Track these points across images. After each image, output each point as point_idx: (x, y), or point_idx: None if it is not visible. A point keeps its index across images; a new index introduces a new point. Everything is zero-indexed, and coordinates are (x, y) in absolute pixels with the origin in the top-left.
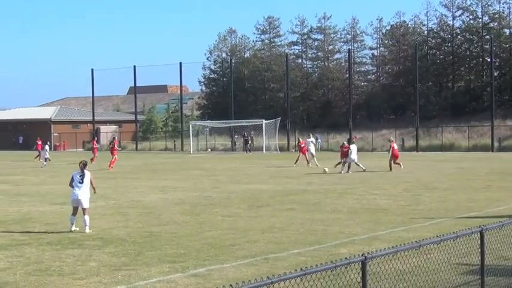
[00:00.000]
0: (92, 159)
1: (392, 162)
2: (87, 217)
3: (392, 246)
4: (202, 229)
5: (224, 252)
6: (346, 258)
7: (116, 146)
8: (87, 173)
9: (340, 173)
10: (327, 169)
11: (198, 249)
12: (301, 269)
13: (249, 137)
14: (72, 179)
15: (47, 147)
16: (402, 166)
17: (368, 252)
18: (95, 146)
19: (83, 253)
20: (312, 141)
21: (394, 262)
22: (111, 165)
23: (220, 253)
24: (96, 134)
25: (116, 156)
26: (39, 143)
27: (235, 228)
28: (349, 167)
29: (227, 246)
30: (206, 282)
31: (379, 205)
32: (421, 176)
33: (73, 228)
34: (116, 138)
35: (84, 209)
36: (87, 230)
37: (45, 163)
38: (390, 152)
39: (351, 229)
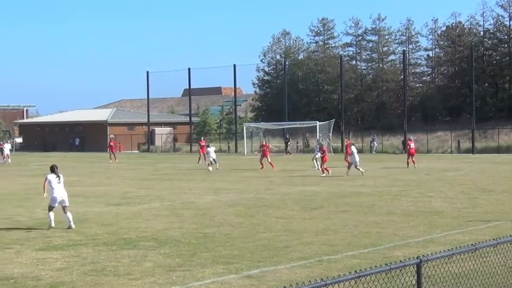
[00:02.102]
0: (200, 159)
1: (408, 159)
2: (69, 214)
3: (448, 249)
4: (256, 231)
5: (278, 253)
6: (400, 261)
7: (267, 150)
8: (61, 175)
9: (344, 176)
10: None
11: (251, 251)
12: (355, 271)
13: (290, 140)
14: (48, 181)
15: (209, 149)
16: (409, 166)
17: (423, 255)
18: (202, 145)
19: (138, 254)
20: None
21: (449, 265)
22: (273, 166)
23: (274, 255)
24: (151, 135)
25: (267, 157)
26: (112, 144)
27: (289, 230)
28: (349, 168)
29: (281, 248)
30: (260, 283)
31: (435, 208)
32: (478, 179)
33: (53, 223)
34: (265, 142)
35: (65, 207)
36: (73, 226)
37: (211, 167)
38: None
39: (405, 232)
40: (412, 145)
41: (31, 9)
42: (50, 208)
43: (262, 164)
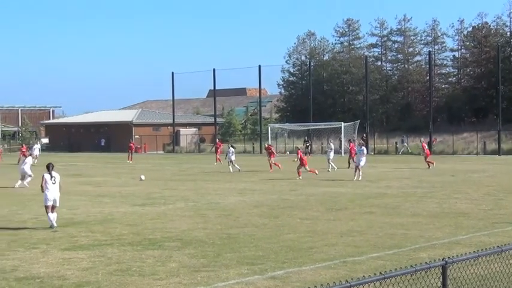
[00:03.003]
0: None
1: (428, 160)
2: (55, 214)
3: (474, 251)
4: (281, 232)
5: (302, 255)
6: (426, 262)
7: (272, 150)
8: (57, 175)
9: (353, 180)
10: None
11: (276, 252)
12: (380, 272)
13: (310, 141)
14: (45, 181)
15: (229, 149)
16: (434, 164)
17: (449, 257)
18: (217, 146)
19: (163, 254)
20: (331, 147)
21: (475, 267)
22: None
23: (299, 256)
24: (176, 136)
25: (272, 159)
26: (131, 145)
27: (313, 231)
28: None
29: (305, 249)
30: (284, 284)
31: (460, 209)
32: (503, 180)
33: (55, 224)
34: (267, 144)
35: (54, 207)
36: (55, 225)
37: (231, 167)
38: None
39: (431, 233)
40: (426, 147)
41: (56, 11)
42: (46, 209)
43: (271, 165)
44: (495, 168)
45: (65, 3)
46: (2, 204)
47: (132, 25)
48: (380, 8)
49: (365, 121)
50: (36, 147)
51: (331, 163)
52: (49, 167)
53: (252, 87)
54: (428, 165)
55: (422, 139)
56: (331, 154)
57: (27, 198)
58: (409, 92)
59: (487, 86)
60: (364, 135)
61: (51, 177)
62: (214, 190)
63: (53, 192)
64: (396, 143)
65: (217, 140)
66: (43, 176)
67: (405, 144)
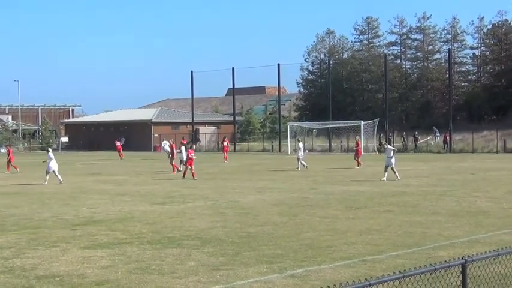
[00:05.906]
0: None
1: (357, 159)
2: None
3: (494, 250)
4: (300, 230)
5: (321, 253)
6: (445, 261)
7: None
8: None
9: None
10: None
11: (295, 250)
12: (399, 271)
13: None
14: None
15: (183, 148)
16: (360, 166)
17: (468, 256)
18: (225, 144)
19: (182, 252)
20: (300, 147)
21: (495, 266)
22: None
23: (318, 254)
24: (195, 134)
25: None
26: (183, 142)
27: (332, 229)
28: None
29: (324, 247)
30: (303, 283)
31: (480, 207)
32: None
33: None
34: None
35: None
36: None
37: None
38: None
39: (450, 232)
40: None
41: (76, 9)
42: None
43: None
44: None
45: (84, 1)
46: (22, 203)
47: (152, 24)
48: (399, 6)
49: (384, 119)
50: (166, 144)
51: (302, 162)
52: None
53: (271, 85)
54: (358, 164)
55: (357, 137)
56: (300, 153)
57: (46, 197)
58: (428, 90)
59: (507, 84)
60: (390, 134)
61: None
62: (234, 188)
63: None
64: (435, 131)
65: (224, 138)
66: None
67: (438, 135)
